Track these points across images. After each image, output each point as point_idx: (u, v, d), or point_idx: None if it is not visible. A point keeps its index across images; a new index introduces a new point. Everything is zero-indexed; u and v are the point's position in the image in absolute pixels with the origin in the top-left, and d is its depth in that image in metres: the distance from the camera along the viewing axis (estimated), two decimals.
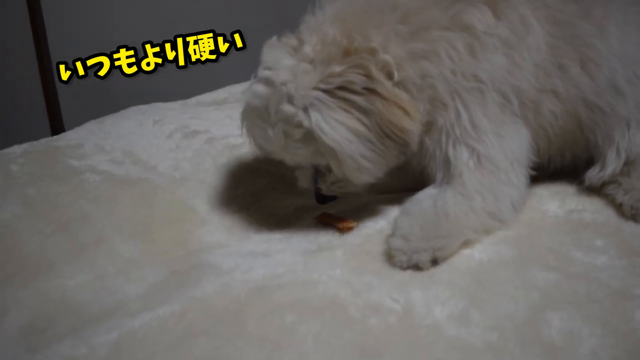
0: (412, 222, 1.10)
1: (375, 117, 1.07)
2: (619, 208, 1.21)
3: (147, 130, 1.59)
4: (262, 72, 1.13)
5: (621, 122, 1.22)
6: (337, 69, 1.08)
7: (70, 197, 1.34)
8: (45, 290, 1.10)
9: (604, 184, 1.25)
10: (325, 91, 1.07)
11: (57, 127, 2.12)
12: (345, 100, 1.07)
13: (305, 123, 1.08)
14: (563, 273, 1.03)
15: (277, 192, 1.41)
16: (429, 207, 1.12)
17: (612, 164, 1.23)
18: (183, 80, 2.45)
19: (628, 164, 1.24)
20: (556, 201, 1.25)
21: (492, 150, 1.14)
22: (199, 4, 2.56)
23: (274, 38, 1.18)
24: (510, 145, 1.16)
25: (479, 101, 1.14)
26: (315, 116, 1.07)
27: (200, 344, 0.92)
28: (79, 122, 1.72)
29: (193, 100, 1.89)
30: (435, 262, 1.05)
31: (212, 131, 1.58)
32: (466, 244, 1.09)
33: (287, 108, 1.09)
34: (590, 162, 1.29)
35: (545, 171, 1.30)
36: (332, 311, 0.96)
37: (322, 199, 1.25)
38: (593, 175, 1.25)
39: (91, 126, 1.66)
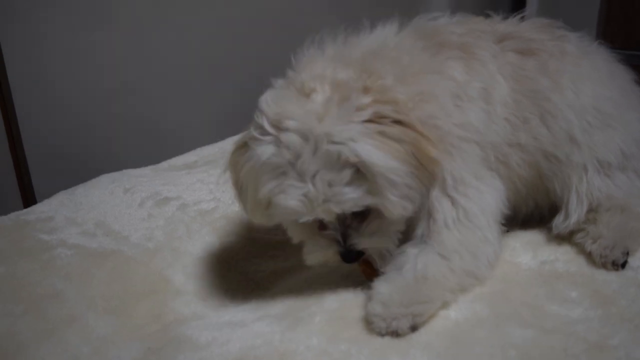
0: (391, 288, 1.09)
1: (409, 147, 1.04)
2: (589, 256, 1.22)
3: (118, 200, 1.58)
4: (285, 123, 1.03)
5: (577, 168, 1.26)
6: (364, 101, 1.04)
7: (41, 274, 1.31)
8: None
9: (573, 232, 1.27)
10: (360, 123, 1.02)
11: (28, 198, 2.09)
12: (380, 132, 1.03)
13: (352, 159, 1.01)
14: (539, 328, 1.03)
15: (252, 255, 1.40)
16: (408, 272, 1.10)
17: (575, 211, 1.26)
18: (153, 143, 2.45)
19: (592, 210, 1.26)
20: (529, 252, 1.26)
21: (473, 206, 1.14)
22: None
23: (272, 90, 1.11)
24: (488, 201, 1.17)
25: (465, 151, 1.15)
26: (363, 148, 1.00)
27: None
28: (51, 191, 1.71)
29: (164, 164, 1.89)
30: (414, 328, 1.04)
31: (184, 197, 1.57)
32: (443, 305, 1.09)
33: (330, 148, 1.01)
34: (553, 208, 1.31)
35: (515, 222, 1.31)
36: None
37: (355, 255, 1.13)
38: (559, 223, 1.28)
39: (61, 197, 1.64)
